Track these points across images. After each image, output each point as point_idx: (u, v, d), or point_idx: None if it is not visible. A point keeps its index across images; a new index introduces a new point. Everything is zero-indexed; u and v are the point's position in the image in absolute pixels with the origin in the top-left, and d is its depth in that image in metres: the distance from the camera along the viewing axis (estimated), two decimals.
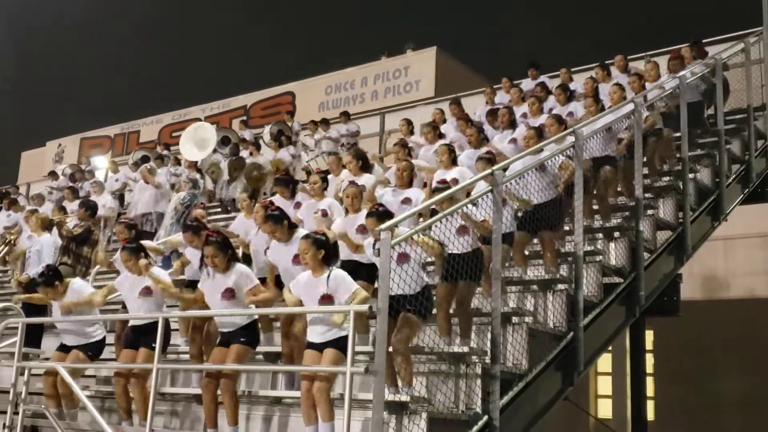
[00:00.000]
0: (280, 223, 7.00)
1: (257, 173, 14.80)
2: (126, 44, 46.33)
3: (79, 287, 7.63)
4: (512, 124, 9.89)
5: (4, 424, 7.04)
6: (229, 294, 6.43)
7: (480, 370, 6.11)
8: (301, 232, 6.99)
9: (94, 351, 7.52)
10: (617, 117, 8.54)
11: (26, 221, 12.94)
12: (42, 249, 10.38)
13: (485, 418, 5.88)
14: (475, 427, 5.83)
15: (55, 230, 10.90)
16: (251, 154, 15.53)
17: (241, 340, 6.40)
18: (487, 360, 6.15)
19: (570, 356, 6.94)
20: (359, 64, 22.80)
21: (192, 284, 8.03)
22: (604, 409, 15.13)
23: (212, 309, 6.63)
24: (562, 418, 8.74)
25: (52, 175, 19.73)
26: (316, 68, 24.37)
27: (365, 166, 9.06)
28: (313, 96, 22.97)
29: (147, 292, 7.10)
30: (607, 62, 12.33)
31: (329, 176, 9.28)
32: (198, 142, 15.03)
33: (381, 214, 6.23)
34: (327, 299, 5.86)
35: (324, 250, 5.99)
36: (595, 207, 8.71)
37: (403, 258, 5.91)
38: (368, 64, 22.66)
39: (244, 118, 23.54)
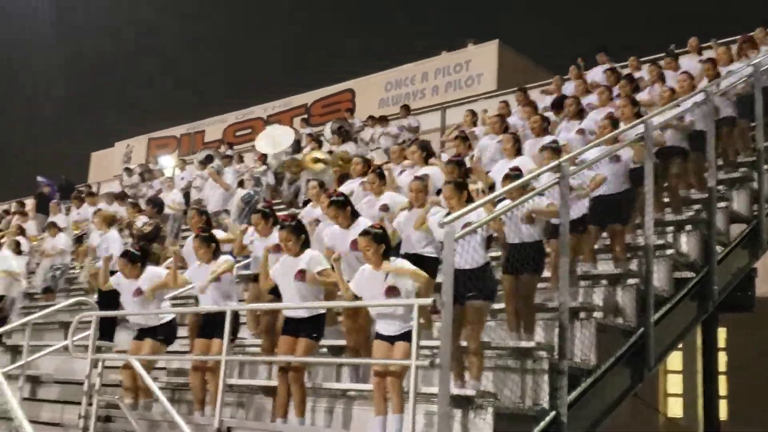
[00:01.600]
0: (343, 209, 7.05)
1: (295, 168, 14.91)
2: (190, 46, 47.22)
3: (155, 270, 7.83)
4: (579, 114, 9.70)
5: (80, 415, 7.23)
6: (301, 275, 6.49)
7: (547, 365, 6.02)
8: (363, 220, 7.04)
9: (165, 334, 7.66)
10: (687, 108, 8.31)
11: (92, 220, 13.31)
12: (110, 245, 10.63)
13: (552, 413, 5.80)
14: (543, 423, 5.75)
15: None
16: (312, 149, 15.61)
17: (312, 335, 6.47)
18: (555, 355, 6.06)
19: (640, 352, 6.80)
20: (419, 60, 22.74)
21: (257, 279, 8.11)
22: (674, 408, 14.78)
23: (284, 292, 6.68)
24: (631, 416, 8.56)
25: (127, 171, 20.20)
26: (375, 65, 24.37)
27: (429, 158, 9.02)
28: (372, 93, 23.00)
29: (215, 279, 7.21)
30: (671, 49, 12.04)
31: (390, 165, 9.30)
32: (274, 139, 15.24)
33: (458, 184, 6.38)
34: (392, 291, 5.85)
35: (384, 244, 6.00)
36: (666, 199, 8.50)
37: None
38: (428, 59, 22.56)
39: (305, 116, 23.74)
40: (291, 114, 24.61)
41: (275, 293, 7.50)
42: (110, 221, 11.16)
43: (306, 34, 47.14)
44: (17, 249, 12.03)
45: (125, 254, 7.93)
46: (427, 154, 9.06)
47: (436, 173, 8.63)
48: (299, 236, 6.66)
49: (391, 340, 5.86)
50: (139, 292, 7.69)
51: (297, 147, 16.33)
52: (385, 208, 7.93)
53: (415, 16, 46.09)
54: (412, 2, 46.00)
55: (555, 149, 7.76)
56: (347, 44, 44.76)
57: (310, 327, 6.47)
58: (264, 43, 46.94)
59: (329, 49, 44.84)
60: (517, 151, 8.55)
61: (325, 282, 6.51)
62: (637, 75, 11.65)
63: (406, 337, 5.74)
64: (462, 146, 9.78)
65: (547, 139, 8.79)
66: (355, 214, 7.18)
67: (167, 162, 22.77)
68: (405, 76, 22.60)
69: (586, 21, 39.13)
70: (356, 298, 6.19)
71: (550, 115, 10.61)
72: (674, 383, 15.13)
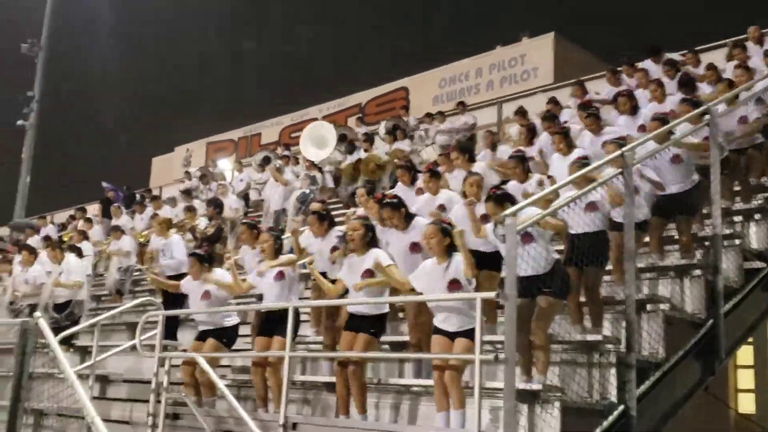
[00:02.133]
0: (397, 210, 7.02)
1: (373, 165, 14.92)
2: (244, 52, 47.88)
3: (222, 273, 7.93)
4: (634, 110, 9.46)
5: (148, 412, 7.38)
6: (368, 274, 6.48)
7: (615, 358, 5.92)
8: (420, 220, 7.01)
9: (228, 337, 7.78)
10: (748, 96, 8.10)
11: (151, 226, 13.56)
12: (173, 248, 10.82)
13: (621, 407, 5.71)
14: (611, 417, 5.66)
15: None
16: (365, 150, 15.66)
17: (371, 330, 6.46)
18: (622, 348, 5.95)
19: (709, 345, 6.67)
20: (473, 55, 22.60)
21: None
22: (746, 404, 14.35)
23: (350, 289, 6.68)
24: (701, 411, 8.33)
25: (186, 175, 20.58)
26: (428, 62, 24.31)
27: (472, 158, 8.97)
28: (426, 90, 22.95)
29: (280, 276, 7.27)
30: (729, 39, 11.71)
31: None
32: (317, 140, 15.29)
33: (499, 197, 6.20)
34: (455, 284, 5.82)
35: (449, 238, 5.96)
36: (737, 188, 8.29)
37: (527, 238, 5.79)
38: (482, 54, 22.41)
39: (360, 115, 23.81)
40: (346, 114, 24.74)
41: None
42: (168, 225, 11.35)
43: (359, 34, 47.33)
44: (79, 254, 12.31)
45: (194, 255, 8.06)
46: (468, 155, 8.99)
47: (484, 172, 8.53)
48: (400, 209, 6.90)
49: (450, 336, 5.81)
50: (207, 294, 7.80)
51: (351, 148, 16.36)
52: (442, 207, 7.87)
53: (467, 11, 45.87)
54: None
55: (621, 145, 7.59)
56: (400, 43, 44.80)
57: (371, 324, 6.47)
58: (317, 44, 47.31)
59: (383, 48, 44.97)
60: (570, 146, 8.36)
61: (386, 274, 6.43)
62: (695, 69, 11.38)
63: (466, 333, 5.70)
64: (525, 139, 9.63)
65: (606, 135, 8.58)
66: (409, 216, 7.12)
67: (225, 165, 23.11)
68: (459, 72, 22.49)
69: (643, 9, 38.41)
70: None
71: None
72: (745, 379, 14.71)
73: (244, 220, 8.81)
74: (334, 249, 7.75)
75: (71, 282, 10.88)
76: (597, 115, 9.05)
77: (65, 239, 15.22)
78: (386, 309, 6.65)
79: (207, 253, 8.14)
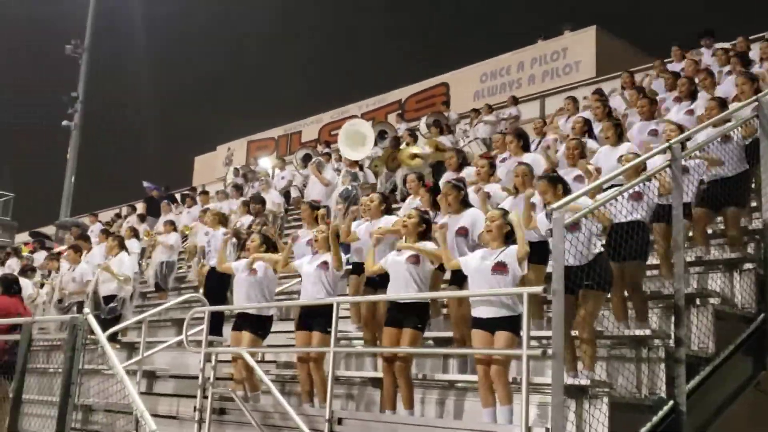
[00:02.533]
0: (457, 192, 7.11)
1: (391, 163, 14.87)
2: (284, 51, 48.17)
3: (270, 255, 7.97)
4: (692, 95, 9.32)
5: (195, 407, 7.46)
6: (414, 259, 6.52)
7: (663, 353, 5.83)
8: (474, 210, 6.98)
9: (263, 329, 7.78)
10: None
11: (200, 219, 13.71)
12: (217, 243, 10.92)
13: (670, 403, 5.63)
14: (660, 413, 5.58)
15: (229, 226, 11.45)
16: (407, 144, 15.61)
17: (417, 325, 6.42)
18: (671, 343, 5.86)
19: (761, 339, 6.54)
20: (514, 50, 22.44)
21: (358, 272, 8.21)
22: None
23: (393, 275, 6.65)
24: (752, 409, 8.14)
25: (235, 171, 20.75)
26: (469, 57, 24.22)
27: (526, 146, 8.89)
28: (467, 85, 22.84)
29: (324, 266, 7.27)
30: None
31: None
32: (355, 139, 15.28)
33: (552, 178, 6.24)
34: (500, 267, 5.79)
35: (510, 227, 5.96)
36: None
37: (574, 227, 5.71)
38: (524, 48, 22.26)
39: (400, 111, 23.78)
40: (386, 110, 24.73)
41: (370, 284, 7.56)
42: (221, 219, 11.48)
43: (399, 30, 47.32)
44: (126, 250, 12.50)
45: (264, 238, 8.19)
46: (524, 142, 8.93)
47: (536, 161, 8.49)
48: (459, 192, 7.08)
49: (489, 326, 5.74)
50: (254, 272, 7.85)
51: (396, 143, 16.32)
52: (488, 195, 7.87)
53: (508, 5, 45.55)
54: None
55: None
56: (440, 38, 44.69)
57: (414, 317, 6.42)
58: (357, 41, 47.40)
59: (423, 43, 44.89)
60: (619, 137, 8.27)
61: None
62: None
63: (505, 324, 5.65)
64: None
65: (654, 123, 8.48)
66: (465, 203, 7.16)
67: (266, 163, 23.25)
68: (500, 67, 22.35)
69: (685, 1, 37.75)
70: (459, 282, 6.08)
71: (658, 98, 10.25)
72: None
73: (307, 200, 8.78)
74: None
75: (120, 273, 11.03)
76: (653, 100, 8.92)
77: None
78: (429, 299, 6.65)
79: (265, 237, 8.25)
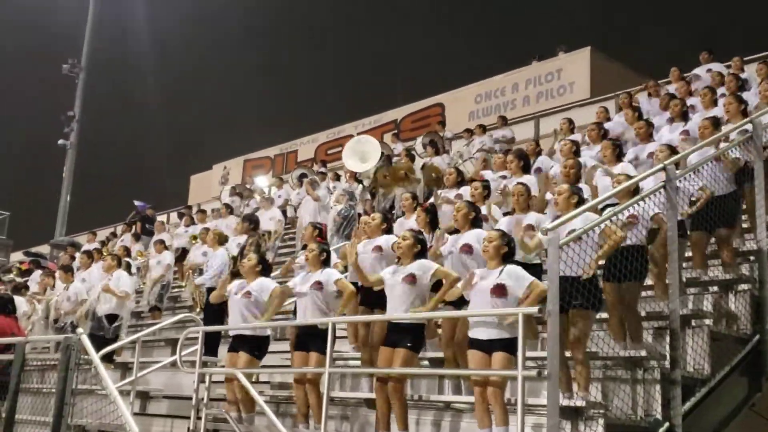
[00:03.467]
0: (469, 209, 7.14)
1: (402, 172, 14.86)
2: (280, 70, 48.39)
3: (266, 283, 7.84)
4: (684, 116, 9.39)
5: (188, 428, 7.42)
6: (411, 279, 6.51)
7: (659, 375, 5.82)
8: (481, 231, 7.02)
9: (260, 349, 7.68)
10: None
11: (201, 238, 13.67)
12: (216, 262, 10.93)
13: (666, 425, 5.62)
14: None
15: (228, 245, 11.43)
16: (398, 163, 15.63)
17: (408, 345, 6.39)
18: (666, 364, 5.85)
19: (756, 361, 6.53)
20: (509, 71, 22.58)
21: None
22: None
23: (390, 296, 6.63)
24: (748, 431, 8.13)
25: (232, 189, 20.71)
26: (464, 78, 24.35)
27: (526, 167, 8.93)
28: (462, 106, 22.94)
29: (318, 285, 7.20)
30: None
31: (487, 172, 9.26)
32: (360, 154, 15.33)
33: (575, 188, 6.38)
34: (499, 289, 5.78)
35: (508, 248, 5.98)
36: None
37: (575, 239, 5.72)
38: (518, 69, 22.39)
39: (396, 131, 23.87)
40: (381, 130, 24.80)
41: (366, 304, 7.55)
42: (222, 240, 11.48)
43: (394, 51, 47.57)
44: (128, 269, 12.49)
45: (262, 261, 8.06)
46: (524, 163, 8.97)
47: (532, 183, 8.52)
48: (470, 211, 7.06)
49: (486, 346, 5.74)
50: (248, 294, 7.73)
51: (389, 162, 16.35)
52: (485, 218, 7.87)
53: (502, 26, 45.87)
54: (498, 14, 45.81)
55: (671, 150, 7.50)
56: (435, 59, 44.93)
57: (409, 336, 6.40)
58: (352, 60, 47.64)
59: (418, 63, 45.10)
60: (618, 158, 8.32)
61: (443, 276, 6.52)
62: (742, 76, 11.22)
63: (502, 345, 5.64)
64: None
65: (652, 145, 8.50)
66: (476, 222, 7.16)
67: (262, 182, 23.29)
68: (495, 88, 22.47)
69: (680, 23, 38.08)
70: (459, 303, 6.11)
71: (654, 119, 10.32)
72: None
73: (311, 221, 8.75)
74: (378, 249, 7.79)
75: (119, 291, 11.00)
76: (649, 122, 8.98)
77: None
78: (425, 320, 6.63)
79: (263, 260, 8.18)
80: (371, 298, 7.42)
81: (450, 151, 16.68)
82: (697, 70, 12.93)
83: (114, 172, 46.74)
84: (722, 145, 7.26)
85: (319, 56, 49.72)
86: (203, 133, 49.73)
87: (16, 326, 9.60)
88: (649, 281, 7.09)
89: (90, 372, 9.19)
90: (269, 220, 14.65)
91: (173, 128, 47.54)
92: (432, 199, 9.77)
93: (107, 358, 9.36)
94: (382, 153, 17.31)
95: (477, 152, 15.79)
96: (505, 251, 5.98)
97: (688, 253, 7.37)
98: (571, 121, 11.80)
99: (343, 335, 8.63)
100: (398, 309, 6.51)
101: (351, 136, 25.21)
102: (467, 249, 6.91)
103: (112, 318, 10.99)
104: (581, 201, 6.29)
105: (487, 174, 10.62)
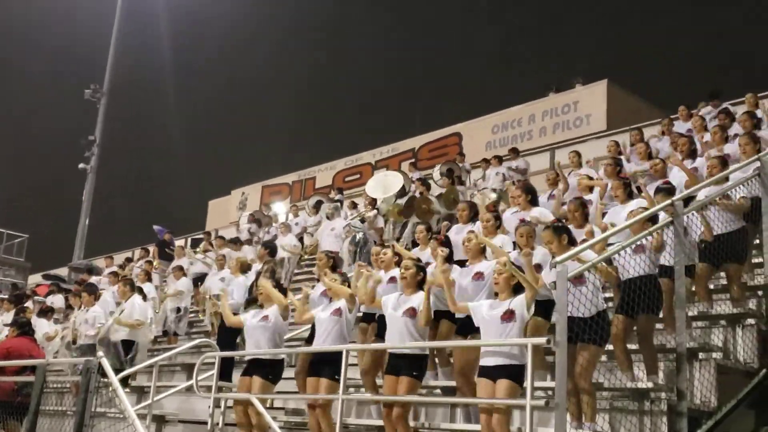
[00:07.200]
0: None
1: (425, 206, 15.05)
2: (300, 98, 48.89)
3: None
4: (692, 154, 9.50)
5: None
6: (412, 312, 6.64)
7: (666, 406, 5.90)
8: (488, 261, 7.14)
9: (274, 374, 7.78)
10: None
11: (218, 263, 13.79)
12: (234, 289, 11.08)
13: None
14: None
15: (250, 273, 11.56)
16: (421, 194, 15.83)
17: (413, 373, 6.52)
18: (673, 397, 5.93)
19: (763, 394, 6.57)
20: (526, 102, 22.77)
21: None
22: None
23: (390, 327, 6.76)
24: None
25: (250, 216, 20.88)
26: (482, 108, 24.55)
27: (534, 201, 9.02)
28: (479, 136, 23.13)
29: (338, 313, 7.31)
30: None
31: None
32: (384, 184, 15.65)
33: (557, 228, 6.32)
34: (509, 315, 5.89)
35: (517, 280, 6.09)
36: None
37: (580, 280, 5.85)
38: (535, 101, 22.57)
39: (413, 160, 24.08)
40: (399, 159, 25.02)
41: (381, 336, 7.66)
42: (246, 268, 11.63)
43: (412, 80, 47.98)
44: (143, 295, 12.64)
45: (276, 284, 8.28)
46: (531, 197, 9.05)
47: (543, 214, 8.61)
48: (449, 249, 7.18)
49: (492, 374, 5.84)
50: (266, 318, 7.87)
51: (403, 192, 16.58)
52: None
53: (520, 58, 46.16)
54: (516, 45, 46.14)
55: (668, 190, 7.62)
56: (453, 89, 45.24)
57: (412, 365, 6.53)
58: (370, 89, 48.04)
59: (436, 94, 45.44)
60: (629, 195, 8.38)
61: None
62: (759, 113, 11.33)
63: (507, 373, 5.75)
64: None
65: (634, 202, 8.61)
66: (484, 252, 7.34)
67: (280, 208, 23.52)
68: (512, 119, 22.65)
69: (696, 57, 38.20)
70: (464, 332, 6.17)
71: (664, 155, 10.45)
72: None
73: (324, 250, 8.88)
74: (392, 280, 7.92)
75: (132, 321, 11.15)
76: (662, 161, 9.07)
77: None
78: (427, 351, 6.75)
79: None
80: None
81: (466, 182, 16.84)
82: (704, 112, 12.98)
83: (132, 196, 47.27)
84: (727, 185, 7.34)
85: (338, 85, 50.25)
86: (222, 158, 50.24)
87: (35, 347, 9.77)
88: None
89: (107, 395, 9.34)
90: (288, 245, 14.84)
91: (192, 153, 48.11)
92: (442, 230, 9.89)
93: (122, 382, 9.48)
94: (403, 186, 17.60)
95: (491, 179, 15.99)
96: (515, 282, 6.07)
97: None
98: (578, 154, 11.92)
99: (354, 362, 8.74)
100: (396, 342, 6.67)
101: (369, 164, 25.58)
102: (479, 277, 7.02)
103: (127, 344, 11.11)
104: (571, 241, 6.36)
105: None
